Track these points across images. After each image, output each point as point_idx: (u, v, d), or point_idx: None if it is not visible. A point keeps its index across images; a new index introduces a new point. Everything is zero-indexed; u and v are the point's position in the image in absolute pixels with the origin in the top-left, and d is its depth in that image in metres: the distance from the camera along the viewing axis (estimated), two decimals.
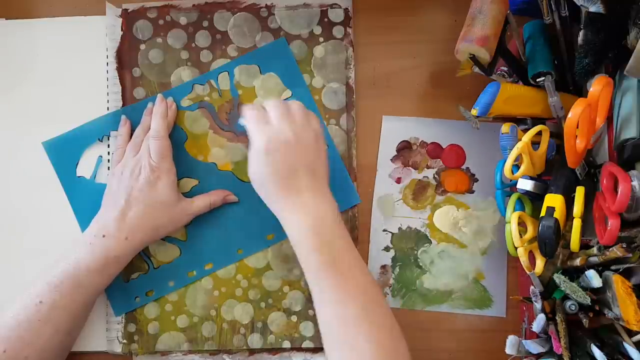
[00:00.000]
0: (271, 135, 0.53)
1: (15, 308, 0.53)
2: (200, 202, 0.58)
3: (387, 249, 0.62)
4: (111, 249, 0.54)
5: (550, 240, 0.49)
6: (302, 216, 0.51)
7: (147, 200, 0.55)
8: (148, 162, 0.56)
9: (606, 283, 0.47)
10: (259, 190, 0.54)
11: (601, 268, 0.49)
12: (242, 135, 0.61)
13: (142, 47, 0.62)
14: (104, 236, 0.54)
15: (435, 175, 0.62)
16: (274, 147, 0.52)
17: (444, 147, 0.62)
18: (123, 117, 0.61)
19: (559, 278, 0.50)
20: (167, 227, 0.57)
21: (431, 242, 0.61)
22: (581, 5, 0.46)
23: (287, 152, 0.52)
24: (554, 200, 0.50)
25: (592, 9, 0.45)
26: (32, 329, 0.52)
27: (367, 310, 0.49)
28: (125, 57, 0.62)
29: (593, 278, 0.48)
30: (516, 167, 0.52)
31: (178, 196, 0.58)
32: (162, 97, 0.60)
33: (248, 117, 0.54)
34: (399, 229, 0.62)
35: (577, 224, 0.48)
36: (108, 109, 0.62)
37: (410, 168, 0.62)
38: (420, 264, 0.61)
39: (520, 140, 0.51)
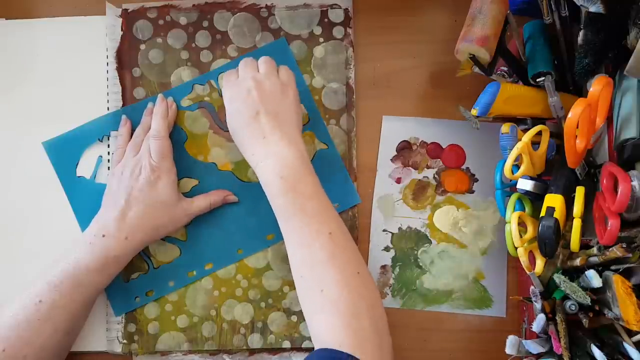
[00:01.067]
0: (234, 86, 0.56)
1: (15, 307, 0.53)
2: (201, 202, 0.58)
3: (387, 249, 0.62)
4: (111, 248, 0.54)
5: (550, 240, 0.49)
6: (268, 160, 0.53)
7: (147, 200, 0.55)
8: (148, 162, 0.56)
9: (606, 283, 0.47)
10: (236, 144, 0.56)
11: (601, 268, 0.49)
12: None
13: (142, 47, 0.62)
14: (103, 236, 0.54)
15: (435, 175, 0.62)
16: (236, 96, 0.55)
17: (444, 147, 0.62)
18: (123, 117, 0.61)
19: (559, 278, 0.50)
20: (167, 227, 0.57)
21: (431, 242, 0.61)
22: (581, 5, 0.46)
23: (248, 98, 0.54)
24: (554, 200, 0.49)
25: (592, 9, 0.45)
26: (31, 329, 0.52)
27: (334, 253, 0.50)
28: (125, 57, 0.62)
29: (593, 278, 0.48)
30: (516, 167, 0.52)
31: (178, 196, 0.58)
32: (162, 97, 0.60)
33: (222, 80, 0.58)
34: (399, 229, 0.62)
35: (577, 224, 0.48)
36: (108, 109, 0.62)
37: (410, 168, 0.62)
38: (420, 264, 0.61)
39: (520, 140, 0.51)
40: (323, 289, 0.49)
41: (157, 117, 0.58)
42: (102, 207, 0.57)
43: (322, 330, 0.48)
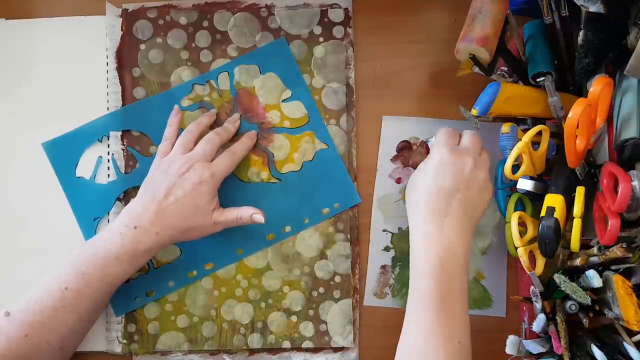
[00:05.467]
0: (453, 154, 0.53)
1: (40, 293, 0.52)
2: (229, 215, 0.56)
3: (387, 249, 0.62)
4: (142, 241, 0.54)
5: (551, 240, 0.49)
6: (434, 240, 0.50)
7: (186, 200, 0.54)
8: (200, 165, 0.56)
9: (606, 283, 0.47)
10: (408, 204, 0.54)
11: (601, 268, 0.49)
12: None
13: (142, 47, 0.62)
14: (135, 227, 0.54)
15: None
16: (448, 163, 0.52)
17: None
18: (176, 107, 0.61)
19: (559, 278, 0.50)
20: (197, 230, 0.56)
21: None
22: (581, 5, 0.46)
23: (459, 174, 0.52)
24: (554, 200, 0.50)
25: (592, 9, 0.45)
26: (55, 316, 0.52)
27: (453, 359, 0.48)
28: (125, 57, 0.62)
29: (593, 278, 0.48)
30: (516, 167, 0.52)
31: (215, 205, 0.56)
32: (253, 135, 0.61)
33: (441, 131, 0.55)
34: (399, 229, 0.62)
35: (577, 224, 0.48)
36: (108, 109, 0.62)
37: (410, 168, 0.62)
38: None
39: (520, 140, 0.51)
40: None
41: (246, 142, 0.59)
42: (138, 197, 0.56)
43: None
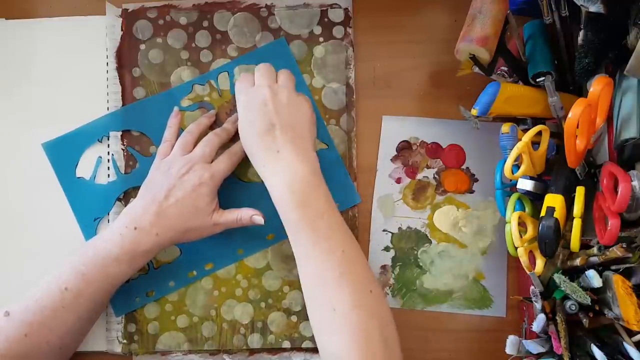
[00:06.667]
0: (250, 93, 0.56)
1: (40, 292, 0.52)
2: (229, 216, 0.57)
3: (387, 249, 0.62)
4: (142, 242, 0.54)
5: (550, 240, 0.49)
6: (280, 174, 0.52)
7: (186, 201, 0.55)
8: (200, 166, 0.56)
9: (606, 283, 0.47)
10: (247, 152, 0.56)
11: (601, 268, 0.49)
12: None
13: (142, 47, 0.62)
14: (135, 228, 0.54)
15: (435, 175, 0.62)
16: (252, 105, 0.55)
17: (444, 147, 0.62)
18: (175, 108, 0.61)
19: (559, 278, 0.50)
20: (196, 231, 0.56)
21: (431, 242, 0.61)
22: (581, 5, 0.46)
23: (263, 109, 0.54)
24: (554, 200, 0.49)
25: (592, 9, 0.45)
26: (55, 316, 0.52)
27: (347, 271, 0.49)
28: (125, 57, 0.62)
29: (593, 278, 0.48)
30: (516, 167, 0.52)
31: (215, 206, 0.57)
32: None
33: (237, 83, 0.57)
34: (399, 229, 0.62)
35: (577, 224, 0.48)
36: (108, 109, 0.62)
37: (410, 168, 0.62)
38: (420, 264, 0.61)
39: (520, 140, 0.51)
40: (335, 307, 0.48)
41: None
42: (138, 198, 0.56)
43: (333, 349, 0.48)
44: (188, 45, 0.63)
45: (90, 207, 0.61)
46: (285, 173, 0.52)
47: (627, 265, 0.48)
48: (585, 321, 0.48)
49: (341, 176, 0.61)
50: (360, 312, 0.48)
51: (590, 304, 0.48)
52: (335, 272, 0.49)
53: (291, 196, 0.51)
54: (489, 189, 0.61)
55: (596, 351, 0.46)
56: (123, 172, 0.61)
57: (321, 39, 0.63)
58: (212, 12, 0.63)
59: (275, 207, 0.53)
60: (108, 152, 0.62)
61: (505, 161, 0.52)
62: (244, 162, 0.60)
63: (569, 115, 0.46)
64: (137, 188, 0.58)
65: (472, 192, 0.62)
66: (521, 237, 0.51)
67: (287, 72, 0.58)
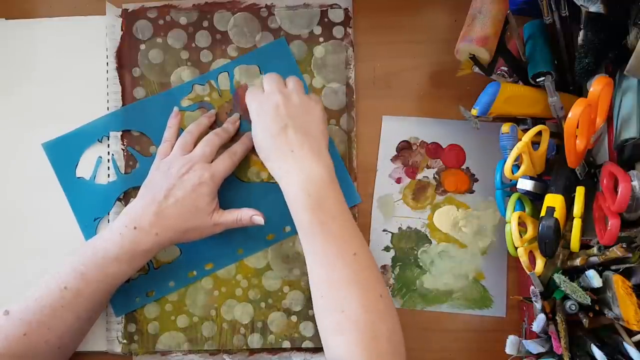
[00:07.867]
0: (262, 100, 0.56)
1: (39, 292, 0.52)
2: (229, 216, 0.57)
3: (387, 249, 0.62)
4: (141, 242, 0.54)
5: (550, 240, 0.49)
6: (294, 176, 0.53)
7: (186, 201, 0.55)
8: (200, 166, 0.56)
9: (606, 283, 0.47)
10: (262, 157, 0.56)
11: (601, 268, 0.49)
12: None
13: (142, 47, 0.62)
14: (135, 228, 0.54)
15: (435, 175, 0.62)
16: (264, 110, 0.55)
17: (444, 147, 0.62)
18: (175, 108, 0.61)
19: (559, 278, 0.50)
20: (196, 231, 0.56)
21: (431, 242, 0.61)
22: (581, 5, 0.46)
23: (276, 112, 0.55)
24: (554, 200, 0.49)
25: (592, 9, 0.45)
26: (54, 315, 0.52)
27: (358, 274, 0.50)
28: (125, 57, 0.62)
29: (593, 278, 0.48)
30: (516, 167, 0.52)
31: (214, 206, 0.57)
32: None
33: (247, 93, 0.58)
34: (399, 229, 0.62)
35: (577, 224, 0.48)
36: (108, 109, 0.62)
37: (410, 168, 0.62)
38: (420, 264, 0.61)
39: (520, 140, 0.51)
40: (344, 309, 0.48)
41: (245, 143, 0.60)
42: (138, 198, 0.56)
43: (340, 351, 0.48)
44: (188, 45, 0.63)
45: (90, 207, 0.61)
46: (300, 173, 0.52)
47: (627, 265, 0.48)
48: (585, 321, 0.48)
49: (341, 176, 0.61)
50: (370, 315, 0.48)
51: (590, 304, 0.48)
52: (346, 274, 0.49)
53: (306, 197, 0.51)
54: (489, 189, 0.61)
55: (596, 351, 0.46)
56: (123, 172, 0.61)
57: (321, 39, 0.63)
58: (212, 12, 0.63)
59: (288, 206, 0.53)
60: (108, 152, 0.62)
61: (505, 161, 0.52)
62: (244, 162, 0.61)
63: (569, 115, 0.46)
64: (137, 188, 0.58)
65: (472, 192, 0.62)
66: (521, 237, 0.51)
67: (295, 78, 0.58)
